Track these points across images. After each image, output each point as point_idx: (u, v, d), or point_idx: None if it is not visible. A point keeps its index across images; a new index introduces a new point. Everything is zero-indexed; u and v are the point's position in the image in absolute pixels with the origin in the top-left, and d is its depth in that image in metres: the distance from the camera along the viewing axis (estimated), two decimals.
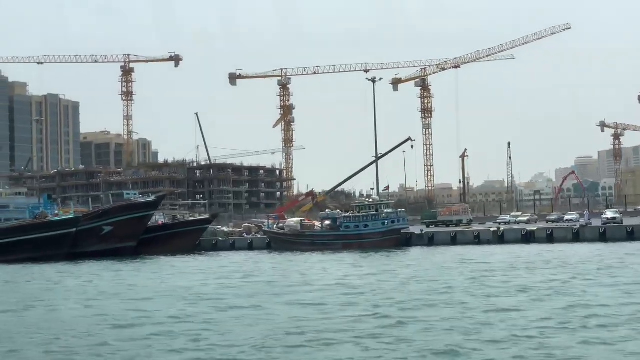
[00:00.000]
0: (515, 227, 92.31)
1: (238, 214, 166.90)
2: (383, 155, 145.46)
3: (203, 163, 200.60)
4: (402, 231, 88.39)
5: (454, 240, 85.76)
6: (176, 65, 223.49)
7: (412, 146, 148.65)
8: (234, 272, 56.52)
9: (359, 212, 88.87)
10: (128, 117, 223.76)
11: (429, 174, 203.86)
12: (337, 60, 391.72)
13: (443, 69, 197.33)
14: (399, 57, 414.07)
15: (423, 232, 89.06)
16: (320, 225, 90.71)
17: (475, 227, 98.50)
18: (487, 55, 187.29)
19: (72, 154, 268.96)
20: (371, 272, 52.16)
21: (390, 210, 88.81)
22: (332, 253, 79.76)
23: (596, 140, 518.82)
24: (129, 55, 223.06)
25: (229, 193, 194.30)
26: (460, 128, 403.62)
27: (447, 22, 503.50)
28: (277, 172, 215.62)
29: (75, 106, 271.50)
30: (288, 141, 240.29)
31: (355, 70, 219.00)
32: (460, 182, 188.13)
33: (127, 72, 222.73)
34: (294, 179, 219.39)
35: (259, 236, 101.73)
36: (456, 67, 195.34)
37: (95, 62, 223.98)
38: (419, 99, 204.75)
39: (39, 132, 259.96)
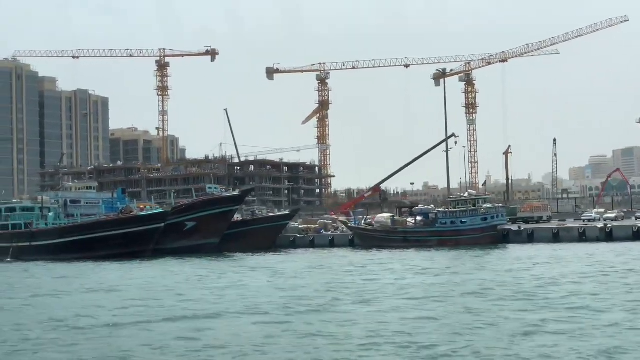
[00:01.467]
0: (616, 224, 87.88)
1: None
2: (427, 152, 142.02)
3: (243, 159, 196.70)
4: (498, 227, 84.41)
5: (556, 238, 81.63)
6: (212, 59, 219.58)
7: (455, 142, 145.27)
8: (409, 270, 51.56)
9: (454, 207, 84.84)
10: (163, 113, 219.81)
11: (473, 171, 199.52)
12: (377, 55, 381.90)
13: (489, 63, 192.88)
14: (440, 52, 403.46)
15: (522, 229, 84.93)
16: (412, 221, 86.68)
17: (555, 224, 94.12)
18: (538, 49, 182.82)
19: (101, 150, 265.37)
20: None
21: (489, 205, 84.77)
22: (429, 250, 75.86)
23: (610, 139, 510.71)
24: (164, 49, 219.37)
25: (269, 190, 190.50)
26: (496, 123, 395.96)
27: (487, 17, 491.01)
28: (316, 169, 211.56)
29: (105, 102, 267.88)
30: (322, 138, 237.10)
31: (395, 65, 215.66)
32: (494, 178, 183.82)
33: (162, 66, 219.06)
34: (333, 176, 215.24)
35: (339, 233, 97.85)
36: (503, 61, 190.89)
37: (130, 56, 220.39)
38: (463, 94, 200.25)
39: (68, 128, 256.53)
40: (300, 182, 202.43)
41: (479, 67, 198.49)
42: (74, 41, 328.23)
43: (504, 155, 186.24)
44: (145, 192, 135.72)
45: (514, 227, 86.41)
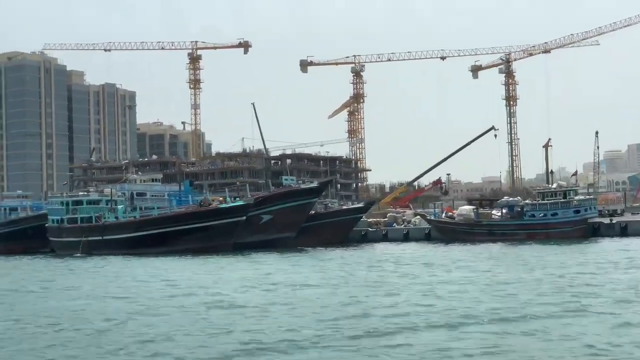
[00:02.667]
0: None
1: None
2: (466, 145, 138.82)
3: (280, 153, 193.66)
4: (588, 220, 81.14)
5: None
6: (245, 52, 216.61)
7: (495, 135, 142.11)
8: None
9: (543, 199, 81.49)
10: (195, 106, 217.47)
11: (514, 164, 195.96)
12: (412, 47, 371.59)
13: (531, 54, 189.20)
14: (477, 44, 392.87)
15: (614, 222, 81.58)
16: (498, 214, 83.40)
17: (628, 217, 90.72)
18: (583, 39, 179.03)
19: (129, 145, 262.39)
20: None
21: (581, 197, 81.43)
22: (515, 244, 72.55)
23: (625, 134, 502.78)
24: (196, 42, 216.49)
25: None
26: (535, 115, 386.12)
27: (520, 9, 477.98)
28: (353, 162, 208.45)
29: (132, 96, 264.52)
30: (353, 132, 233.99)
31: (431, 57, 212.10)
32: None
33: (194, 59, 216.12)
34: (369, 170, 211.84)
35: (412, 226, 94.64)
36: (546, 52, 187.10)
37: (162, 49, 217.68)
38: (503, 86, 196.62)
39: (96, 122, 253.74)
40: (337, 176, 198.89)
41: (520, 59, 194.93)
42: (106, 34, 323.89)
43: (544, 148, 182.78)
44: (206, 185, 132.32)
45: (605, 220, 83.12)
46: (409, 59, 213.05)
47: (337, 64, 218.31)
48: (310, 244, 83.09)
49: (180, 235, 76.68)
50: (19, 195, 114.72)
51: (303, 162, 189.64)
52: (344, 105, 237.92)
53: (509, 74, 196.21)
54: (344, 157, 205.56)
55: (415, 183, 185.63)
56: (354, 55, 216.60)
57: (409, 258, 60.02)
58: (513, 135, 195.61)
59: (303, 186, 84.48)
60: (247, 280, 44.13)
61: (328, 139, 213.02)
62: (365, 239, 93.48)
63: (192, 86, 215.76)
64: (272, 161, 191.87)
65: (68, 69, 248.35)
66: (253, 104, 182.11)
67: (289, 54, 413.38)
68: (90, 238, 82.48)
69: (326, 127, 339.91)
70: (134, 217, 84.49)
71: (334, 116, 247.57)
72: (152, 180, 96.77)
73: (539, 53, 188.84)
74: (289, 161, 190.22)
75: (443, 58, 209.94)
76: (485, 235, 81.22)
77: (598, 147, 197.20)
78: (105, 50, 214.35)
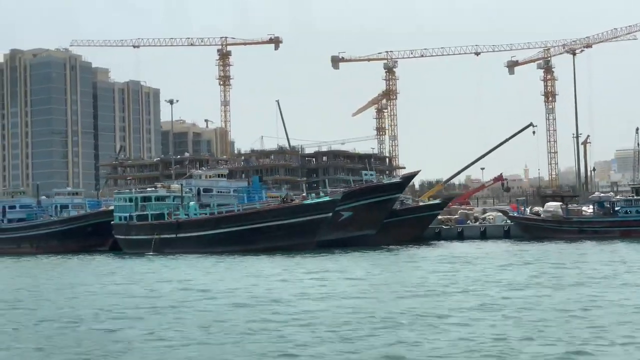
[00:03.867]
0: None
1: None
2: (504, 142, 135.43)
3: (316, 150, 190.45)
4: None
5: None
6: (276, 48, 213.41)
7: (533, 132, 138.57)
8: None
9: (637, 195, 77.91)
10: (225, 103, 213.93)
11: (553, 161, 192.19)
12: (446, 43, 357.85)
13: (571, 49, 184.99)
14: (512, 39, 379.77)
15: None
16: (589, 211, 79.85)
17: None
18: (627, 34, 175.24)
19: (153, 143, 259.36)
20: None
21: None
22: (608, 242, 69.04)
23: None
24: (226, 37, 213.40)
25: (343, 181, 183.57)
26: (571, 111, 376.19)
27: (562, 2, 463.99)
28: (387, 160, 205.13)
29: (156, 93, 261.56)
30: (381, 129, 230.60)
31: (465, 53, 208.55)
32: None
33: (224, 55, 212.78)
34: (404, 167, 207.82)
35: (488, 224, 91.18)
36: (588, 46, 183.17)
37: (191, 45, 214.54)
38: (542, 81, 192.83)
39: (121, 120, 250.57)
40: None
41: (559, 54, 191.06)
42: (134, 31, 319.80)
43: (583, 145, 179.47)
44: (270, 181, 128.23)
45: None
46: (442, 55, 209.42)
47: (369, 60, 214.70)
48: (386, 242, 79.88)
49: (262, 233, 73.32)
50: (69, 192, 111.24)
51: (340, 159, 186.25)
52: (371, 103, 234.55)
53: (547, 69, 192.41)
54: (379, 154, 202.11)
55: (456, 181, 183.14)
56: (387, 51, 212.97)
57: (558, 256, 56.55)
58: (552, 131, 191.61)
59: (386, 181, 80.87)
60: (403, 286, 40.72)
61: (351, 137, 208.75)
62: (439, 236, 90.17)
63: (221, 83, 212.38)
64: (307, 158, 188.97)
65: (91, 66, 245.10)
66: (277, 101, 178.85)
67: (320, 50, 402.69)
68: (162, 236, 79.06)
69: (350, 125, 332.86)
70: (205, 214, 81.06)
71: (358, 114, 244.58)
72: (219, 176, 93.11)
73: (580, 48, 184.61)
74: (324, 158, 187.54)
75: (477, 54, 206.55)
76: (575, 232, 77.85)
77: (639, 144, 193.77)
78: (134, 46, 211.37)
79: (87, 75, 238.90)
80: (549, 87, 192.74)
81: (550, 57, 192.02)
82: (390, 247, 76.43)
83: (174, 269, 57.75)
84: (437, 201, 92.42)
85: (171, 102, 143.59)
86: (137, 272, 55.19)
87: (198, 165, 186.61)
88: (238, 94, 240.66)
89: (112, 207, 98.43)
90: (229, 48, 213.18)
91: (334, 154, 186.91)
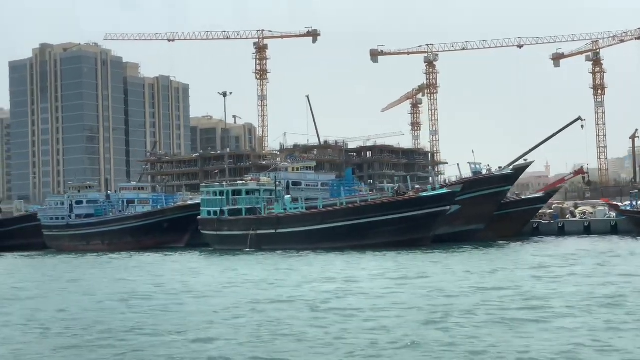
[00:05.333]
0: None
1: None
2: (552, 136, 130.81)
3: (361, 145, 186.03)
4: None
5: None
6: (314, 41, 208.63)
7: (582, 126, 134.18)
8: None
9: None
10: (263, 97, 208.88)
11: (602, 156, 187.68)
12: (488, 36, 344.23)
13: (622, 41, 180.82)
14: (556, 31, 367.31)
15: None
16: None
17: None
18: None
19: (182, 139, 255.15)
20: None
21: None
22: None
23: None
24: (262, 31, 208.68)
25: (388, 177, 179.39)
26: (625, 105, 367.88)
27: None
28: (429, 155, 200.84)
29: (185, 88, 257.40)
30: (416, 124, 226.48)
31: (507, 46, 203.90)
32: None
33: (260, 48, 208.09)
34: (446, 163, 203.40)
35: (590, 218, 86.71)
36: (638, 38, 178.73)
37: (227, 38, 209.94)
38: (591, 74, 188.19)
39: (151, 115, 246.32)
40: (416, 168, 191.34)
41: (607, 46, 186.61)
42: (170, 24, 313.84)
43: (631, 139, 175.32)
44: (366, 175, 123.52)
45: None
46: (484, 48, 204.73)
47: (409, 53, 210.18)
48: (487, 237, 75.76)
49: (374, 228, 68.97)
50: (135, 187, 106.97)
51: (386, 154, 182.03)
52: (405, 97, 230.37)
53: (596, 61, 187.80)
54: (421, 149, 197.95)
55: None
56: (427, 45, 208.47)
57: None
58: (601, 125, 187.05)
59: (497, 172, 76.37)
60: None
61: (379, 133, 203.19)
62: (537, 232, 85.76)
63: (258, 77, 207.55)
64: (350, 154, 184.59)
65: (122, 60, 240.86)
66: (307, 96, 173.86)
67: (359, 44, 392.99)
68: (261, 231, 74.67)
69: (377, 121, 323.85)
70: (299, 208, 76.62)
71: (388, 109, 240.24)
72: (306, 168, 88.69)
73: (632, 39, 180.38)
74: (369, 153, 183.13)
75: (520, 46, 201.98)
76: None
77: None
78: (169, 40, 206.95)
79: (118, 70, 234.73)
80: (597, 80, 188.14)
81: (599, 49, 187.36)
82: (505, 243, 72.28)
83: (309, 265, 53.21)
84: (540, 194, 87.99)
85: (224, 94, 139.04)
86: (279, 270, 50.80)
87: (235, 161, 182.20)
88: (274, 88, 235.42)
89: (190, 202, 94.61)
90: (265, 41, 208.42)
91: (380, 149, 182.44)
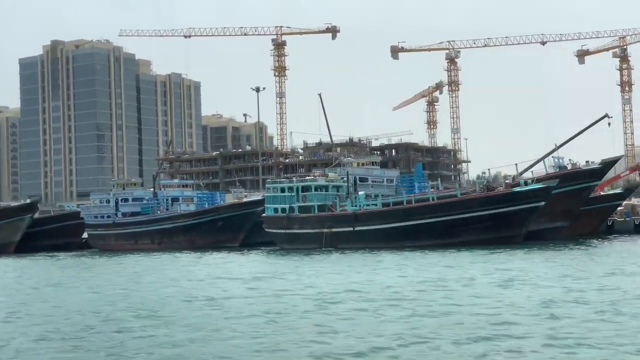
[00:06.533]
0: None
1: None
2: (578, 134, 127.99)
3: (386, 142, 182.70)
4: None
5: None
6: (333, 37, 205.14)
7: (609, 124, 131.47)
8: None
9: None
10: (281, 94, 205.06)
11: (630, 153, 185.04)
12: (510, 32, 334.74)
13: None
14: (580, 28, 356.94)
15: None
16: None
17: None
18: None
19: (194, 137, 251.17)
20: None
21: None
22: None
23: None
24: (281, 27, 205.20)
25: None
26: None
27: None
28: (452, 153, 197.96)
29: (197, 86, 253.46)
30: (432, 122, 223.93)
31: (530, 42, 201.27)
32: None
33: (279, 45, 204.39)
34: (469, 161, 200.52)
35: None
36: None
37: (245, 34, 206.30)
38: (618, 71, 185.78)
39: (163, 113, 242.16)
40: (439, 167, 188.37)
41: (635, 42, 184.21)
42: (185, 21, 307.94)
43: None
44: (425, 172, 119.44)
45: None
46: (507, 45, 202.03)
47: (430, 50, 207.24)
48: (569, 235, 72.52)
49: (462, 224, 65.48)
50: (178, 184, 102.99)
51: (410, 153, 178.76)
52: (420, 95, 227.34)
53: (623, 58, 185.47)
54: (444, 147, 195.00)
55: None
56: (448, 41, 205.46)
57: None
58: (628, 123, 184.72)
59: (584, 167, 73.02)
60: None
61: (387, 132, 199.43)
62: (612, 230, 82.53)
63: (276, 73, 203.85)
64: (377, 152, 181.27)
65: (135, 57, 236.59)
66: (320, 94, 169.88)
67: (379, 40, 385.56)
68: (336, 229, 70.98)
69: (387, 119, 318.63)
70: (375, 205, 73.02)
71: (400, 108, 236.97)
72: (372, 163, 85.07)
73: None
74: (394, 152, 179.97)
75: (543, 43, 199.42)
76: None
77: None
78: (185, 36, 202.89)
79: (130, 67, 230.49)
80: (625, 77, 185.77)
81: (626, 45, 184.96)
82: (597, 241, 69.02)
83: (420, 269, 49.28)
84: (618, 190, 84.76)
85: (257, 89, 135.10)
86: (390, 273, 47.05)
87: (255, 159, 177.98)
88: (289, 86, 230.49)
89: (246, 200, 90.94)
90: (284, 38, 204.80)
91: (405, 147, 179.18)
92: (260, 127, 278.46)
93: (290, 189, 76.07)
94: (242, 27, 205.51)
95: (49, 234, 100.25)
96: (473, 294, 31.48)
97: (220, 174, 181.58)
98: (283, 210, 75.84)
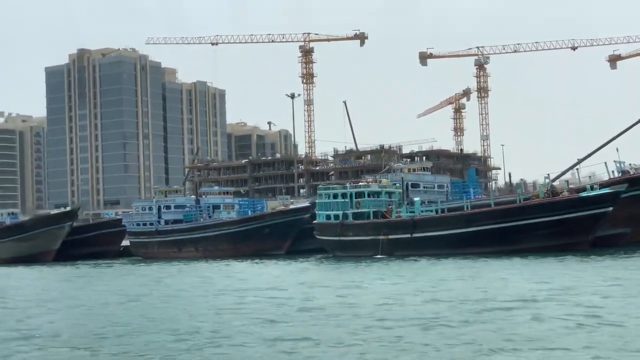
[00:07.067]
0: None
1: None
2: (614, 138, 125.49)
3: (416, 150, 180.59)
4: None
5: None
6: (361, 44, 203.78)
7: None
8: None
9: None
10: (309, 102, 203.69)
11: None
12: (540, 37, 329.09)
13: None
14: (612, 32, 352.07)
15: None
16: None
17: None
18: None
19: (219, 145, 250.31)
20: None
21: None
22: None
23: None
24: (308, 34, 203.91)
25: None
26: None
27: None
28: (482, 159, 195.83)
29: (222, 94, 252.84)
30: (459, 129, 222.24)
31: (560, 48, 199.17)
32: None
33: (306, 52, 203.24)
34: (499, 168, 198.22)
35: None
36: None
37: (272, 42, 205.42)
38: None
39: (188, 122, 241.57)
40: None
41: None
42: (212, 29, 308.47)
43: None
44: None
45: None
46: (537, 50, 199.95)
47: (458, 56, 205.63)
48: (630, 242, 70.11)
49: (526, 231, 63.53)
50: (219, 191, 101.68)
51: (442, 160, 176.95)
52: (446, 102, 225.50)
53: None
54: (475, 154, 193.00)
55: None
56: (477, 47, 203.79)
57: None
58: None
59: None
60: None
61: (411, 139, 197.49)
62: None
63: (304, 80, 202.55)
64: (407, 159, 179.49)
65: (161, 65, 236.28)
66: (345, 102, 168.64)
67: (407, 46, 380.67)
68: (393, 236, 69.24)
69: (411, 127, 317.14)
70: (431, 211, 71.23)
71: (425, 115, 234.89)
72: (423, 169, 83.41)
73: None
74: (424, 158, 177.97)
75: (574, 48, 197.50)
76: None
77: None
78: (212, 44, 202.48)
79: (156, 76, 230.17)
80: None
81: None
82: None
83: (506, 280, 47.17)
84: None
85: (292, 96, 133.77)
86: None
87: (286, 167, 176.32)
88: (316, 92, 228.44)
89: (292, 207, 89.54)
90: (311, 44, 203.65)
91: (437, 154, 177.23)
92: (284, 135, 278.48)
93: (344, 195, 74.47)
94: (269, 34, 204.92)
95: (88, 242, 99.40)
96: None
97: (250, 182, 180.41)
98: (336, 217, 74.18)
